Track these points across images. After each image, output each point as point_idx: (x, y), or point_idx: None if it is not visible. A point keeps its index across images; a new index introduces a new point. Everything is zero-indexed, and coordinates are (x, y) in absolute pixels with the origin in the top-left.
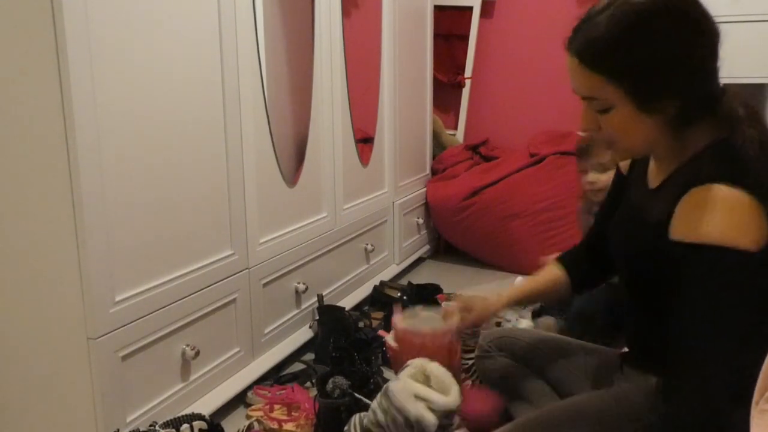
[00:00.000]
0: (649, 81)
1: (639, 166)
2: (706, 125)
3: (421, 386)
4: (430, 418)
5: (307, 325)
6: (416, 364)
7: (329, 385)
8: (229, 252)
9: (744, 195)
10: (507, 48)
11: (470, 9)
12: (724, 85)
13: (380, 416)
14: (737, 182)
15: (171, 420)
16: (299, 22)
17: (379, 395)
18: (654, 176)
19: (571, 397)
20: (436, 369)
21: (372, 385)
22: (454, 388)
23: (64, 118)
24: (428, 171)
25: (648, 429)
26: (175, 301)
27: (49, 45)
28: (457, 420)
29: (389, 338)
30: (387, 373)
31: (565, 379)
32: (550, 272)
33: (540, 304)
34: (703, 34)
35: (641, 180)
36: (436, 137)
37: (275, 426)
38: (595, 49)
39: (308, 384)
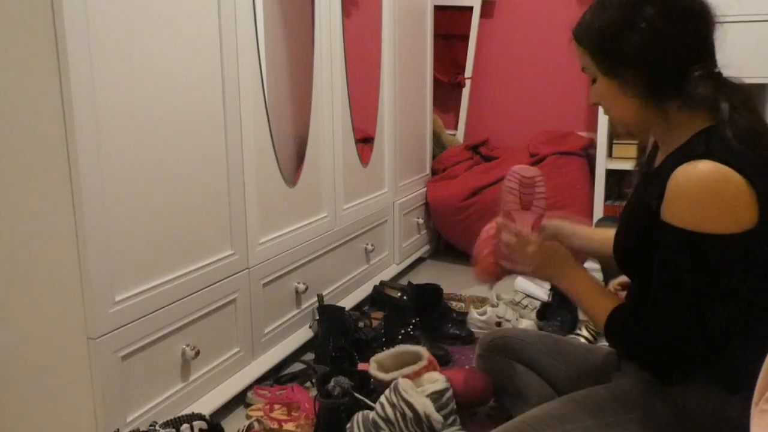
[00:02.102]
0: (605, 45)
1: (651, 156)
2: (699, 112)
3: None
4: (437, 416)
5: (307, 325)
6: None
7: (331, 384)
8: (229, 252)
9: (727, 171)
10: (507, 48)
11: (470, 9)
12: (716, 72)
13: (389, 411)
14: (722, 161)
15: (171, 420)
16: (299, 22)
17: (387, 391)
18: (657, 161)
19: (568, 394)
20: (427, 376)
21: (372, 385)
22: (441, 378)
23: (64, 118)
24: (428, 171)
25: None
26: (175, 301)
27: (49, 45)
28: (454, 406)
29: (372, 370)
30: None
31: (564, 378)
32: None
33: (544, 302)
34: (673, 13)
35: (649, 167)
36: (436, 137)
37: (275, 426)
38: (579, 22)
39: (308, 384)
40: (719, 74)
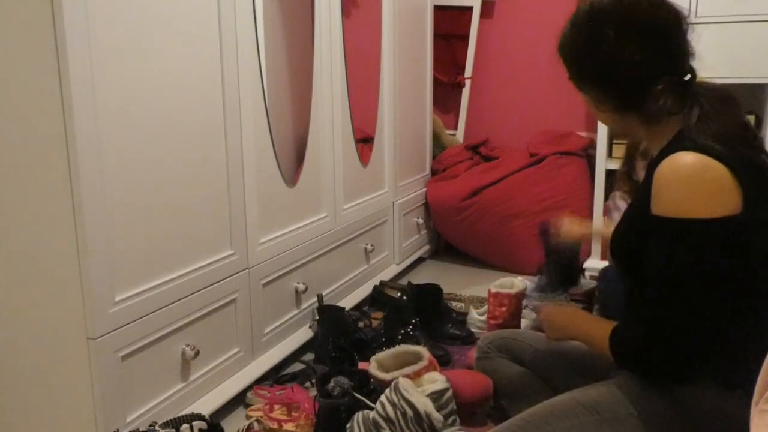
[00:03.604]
0: (574, 64)
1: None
2: (673, 118)
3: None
4: (438, 416)
5: (307, 325)
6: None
7: (331, 384)
8: (229, 252)
9: (709, 160)
10: (507, 48)
11: (470, 9)
12: (685, 80)
13: (389, 410)
14: (700, 152)
15: (171, 420)
16: (299, 22)
17: (387, 390)
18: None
19: (567, 392)
20: (427, 376)
21: (372, 385)
22: (441, 378)
23: (64, 118)
24: (428, 171)
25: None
26: (175, 301)
27: (49, 45)
28: (454, 406)
29: (373, 369)
30: None
31: (563, 378)
32: None
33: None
34: (632, 33)
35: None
36: (436, 137)
37: (275, 426)
38: (561, 33)
39: (308, 384)
40: (689, 81)
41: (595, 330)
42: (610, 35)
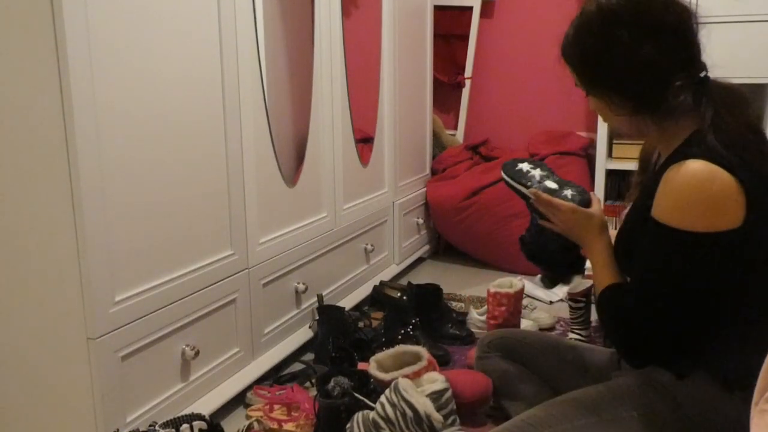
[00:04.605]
0: (587, 70)
1: (657, 159)
2: (687, 118)
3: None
4: (438, 416)
5: (307, 325)
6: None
7: (331, 384)
8: (229, 252)
9: (716, 170)
10: (507, 48)
11: (470, 9)
12: (701, 77)
13: (389, 411)
14: (713, 161)
15: (171, 420)
16: (299, 22)
17: (387, 390)
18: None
19: (567, 393)
20: (427, 376)
21: (372, 385)
22: (441, 378)
23: (64, 118)
24: (428, 171)
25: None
26: (175, 301)
27: (49, 45)
28: (454, 406)
29: (372, 369)
30: None
31: (563, 378)
32: None
33: None
34: (648, 33)
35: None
36: (436, 137)
37: (275, 426)
38: (564, 39)
39: (308, 384)
40: (704, 78)
41: (599, 271)
42: (624, 36)
